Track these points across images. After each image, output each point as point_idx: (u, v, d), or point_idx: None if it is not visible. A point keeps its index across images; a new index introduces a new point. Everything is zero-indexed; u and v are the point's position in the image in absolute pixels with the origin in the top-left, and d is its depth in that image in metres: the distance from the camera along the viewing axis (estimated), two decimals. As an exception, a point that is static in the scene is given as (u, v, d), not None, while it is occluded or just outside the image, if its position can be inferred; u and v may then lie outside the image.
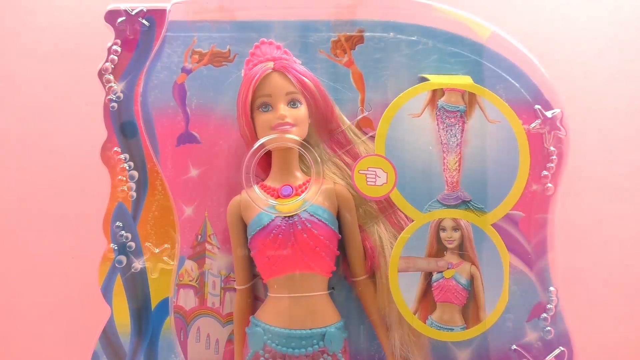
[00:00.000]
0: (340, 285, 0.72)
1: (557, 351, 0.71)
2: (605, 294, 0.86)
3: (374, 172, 0.68)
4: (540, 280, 0.71)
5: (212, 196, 0.72)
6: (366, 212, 0.71)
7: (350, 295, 0.72)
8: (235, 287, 0.71)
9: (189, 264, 0.72)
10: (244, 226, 0.70)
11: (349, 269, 0.71)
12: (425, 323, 0.69)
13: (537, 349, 0.71)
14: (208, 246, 0.73)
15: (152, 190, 0.73)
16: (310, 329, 0.67)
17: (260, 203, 0.68)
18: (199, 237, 0.73)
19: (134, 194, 0.72)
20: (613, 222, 0.87)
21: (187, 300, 0.72)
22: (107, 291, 0.72)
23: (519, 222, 0.71)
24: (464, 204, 0.69)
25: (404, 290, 0.68)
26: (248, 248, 0.69)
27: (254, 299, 0.72)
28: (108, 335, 0.72)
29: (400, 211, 0.70)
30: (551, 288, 0.71)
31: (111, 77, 0.72)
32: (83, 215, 0.87)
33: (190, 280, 0.73)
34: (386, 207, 0.70)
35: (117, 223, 0.72)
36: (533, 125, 0.71)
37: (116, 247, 0.72)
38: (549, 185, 0.71)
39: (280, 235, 0.66)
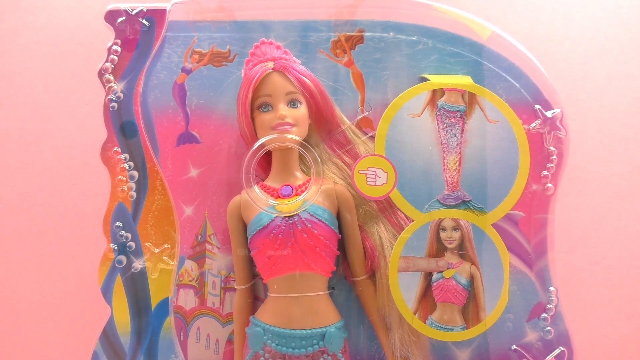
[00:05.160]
0: (341, 285, 0.72)
1: (557, 351, 0.71)
2: (605, 294, 0.86)
3: (373, 172, 0.68)
4: (540, 280, 0.71)
5: (212, 196, 0.72)
6: (366, 212, 0.70)
7: (350, 295, 0.72)
8: (235, 287, 0.71)
9: (189, 264, 0.72)
10: (244, 226, 0.70)
11: (349, 269, 0.71)
12: (425, 323, 0.68)
13: (537, 349, 0.71)
14: (208, 246, 0.72)
15: (152, 190, 0.73)
16: (310, 329, 0.66)
17: (260, 203, 0.67)
18: (199, 237, 0.72)
19: (134, 194, 0.72)
20: (613, 222, 0.86)
21: (187, 300, 0.72)
22: (107, 291, 0.72)
23: (519, 222, 0.71)
24: (464, 204, 0.69)
25: (404, 290, 0.68)
26: (248, 248, 0.69)
27: (254, 299, 0.72)
28: (108, 335, 0.72)
29: (400, 211, 0.69)
30: (551, 288, 0.71)
31: (111, 77, 0.72)
32: (83, 215, 0.87)
33: (190, 280, 0.72)
34: (386, 207, 0.70)
35: (117, 223, 0.72)
36: (533, 125, 0.71)
37: (116, 247, 0.72)
38: (549, 185, 0.71)
39: (280, 235, 0.66)
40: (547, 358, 0.71)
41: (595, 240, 0.86)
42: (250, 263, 0.70)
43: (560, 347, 0.71)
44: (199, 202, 0.72)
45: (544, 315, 0.71)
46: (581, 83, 0.86)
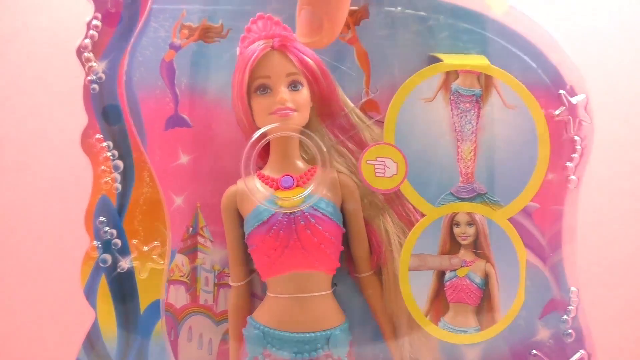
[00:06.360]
0: (343, 281, 0.69)
1: (577, 355, 0.69)
2: (623, 291, 0.86)
3: (382, 163, 0.66)
4: (555, 275, 0.70)
5: (204, 185, 0.70)
6: (371, 204, 0.68)
7: (353, 291, 0.70)
8: (230, 284, 0.69)
9: (180, 259, 0.70)
10: (240, 219, 0.67)
11: (353, 265, 0.69)
12: (437, 325, 0.67)
13: (549, 346, 0.70)
14: (200, 239, 0.71)
15: (139, 181, 0.71)
16: (313, 332, 0.65)
17: (259, 197, 0.65)
18: (190, 229, 0.71)
19: (119, 186, 0.70)
20: (630, 216, 0.86)
21: (178, 297, 0.71)
22: (90, 293, 0.70)
23: (532, 214, 0.69)
24: (479, 196, 0.67)
25: (414, 290, 0.66)
26: (245, 243, 0.67)
27: (251, 297, 0.70)
28: (92, 342, 0.70)
29: (409, 202, 0.67)
30: (572, 289, 0.69)
31: (91, 55, 0.70)
32: (63, 210, 0.86)
33: (181, 276, 0.71)
34: (393, 197, 0.68)
35: (101, 218, 0.70)
36: (558, 112, 0.68)
37: (100, 245, 0.70)
38: (573, 177, 0.69)
39: (281, 232, 0.64)
40: (569, 361, 0.71)
41: (613, 234, 0.86)
42: (247, 258, 0.68)
43: (581, 351, 0.69)
44: (190, 191, 0.70)
45: (564, 317, 0.69)
46: (600, 66, 0.84)
